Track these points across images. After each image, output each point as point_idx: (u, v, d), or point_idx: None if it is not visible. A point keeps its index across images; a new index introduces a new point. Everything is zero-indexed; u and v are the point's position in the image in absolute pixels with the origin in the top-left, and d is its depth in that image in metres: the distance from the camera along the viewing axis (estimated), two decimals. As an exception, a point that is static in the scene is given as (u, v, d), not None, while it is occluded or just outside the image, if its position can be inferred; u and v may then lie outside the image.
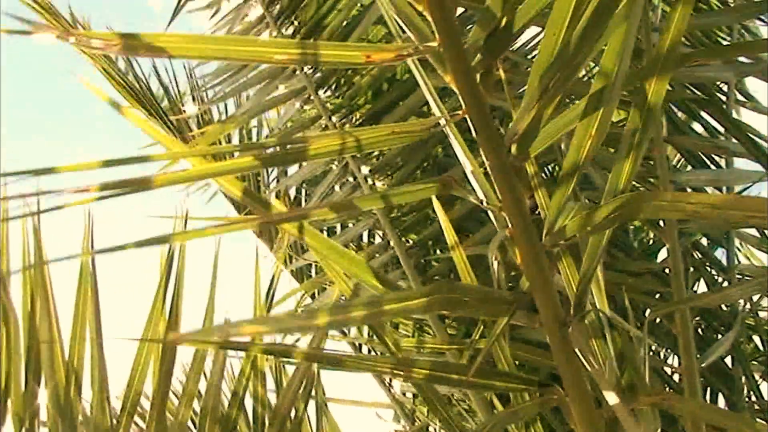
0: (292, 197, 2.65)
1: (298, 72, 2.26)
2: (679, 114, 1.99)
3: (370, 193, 0.81)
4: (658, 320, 1.68)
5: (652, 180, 1.69)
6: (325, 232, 2.52)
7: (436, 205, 1.00)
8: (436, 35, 0.76)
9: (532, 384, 0.89)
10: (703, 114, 1.96)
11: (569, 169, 0.87)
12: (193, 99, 2.70)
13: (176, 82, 2.74)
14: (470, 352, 1.08)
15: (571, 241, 0.90)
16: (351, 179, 2.22)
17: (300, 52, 0.68)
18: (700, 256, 1.95)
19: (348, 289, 0.97)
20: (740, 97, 2.11)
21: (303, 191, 2.61)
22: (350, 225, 2.32)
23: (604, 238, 0.90)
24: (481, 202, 0.86)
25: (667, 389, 1.61)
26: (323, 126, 2.26)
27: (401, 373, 0.84)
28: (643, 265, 1.76)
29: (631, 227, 2.08)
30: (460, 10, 1.88)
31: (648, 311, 1.63)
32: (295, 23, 2.35)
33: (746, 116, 2.11)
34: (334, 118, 2.25)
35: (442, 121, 0.82)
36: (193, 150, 0.71)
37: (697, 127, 1.99)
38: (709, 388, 1.86)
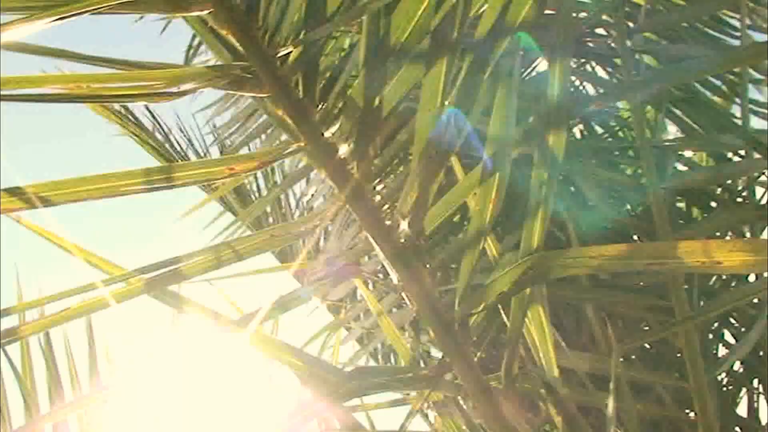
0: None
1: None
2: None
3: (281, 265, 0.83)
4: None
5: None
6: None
7: (359, 283, 1.01)
8: (300, 136, 0.77)
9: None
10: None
11: (475, 235, 0.86)
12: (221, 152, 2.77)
13: (203, 139, 2.80)
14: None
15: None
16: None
17: (146, 181, 0.69)
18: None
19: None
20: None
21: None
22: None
23: (526, 300, 0.88)
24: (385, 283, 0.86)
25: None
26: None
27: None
28: (648, 278, 1.69)
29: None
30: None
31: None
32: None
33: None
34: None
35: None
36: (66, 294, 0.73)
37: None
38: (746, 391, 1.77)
